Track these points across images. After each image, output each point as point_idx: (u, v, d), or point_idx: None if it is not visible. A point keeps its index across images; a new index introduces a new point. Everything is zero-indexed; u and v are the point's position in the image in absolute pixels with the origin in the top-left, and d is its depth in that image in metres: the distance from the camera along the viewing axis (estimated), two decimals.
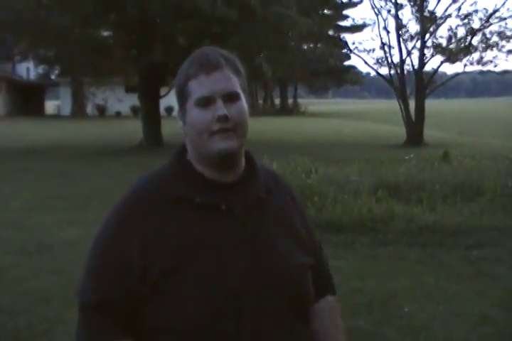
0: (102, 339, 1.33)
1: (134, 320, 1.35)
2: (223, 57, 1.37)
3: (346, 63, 50.85)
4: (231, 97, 1.35)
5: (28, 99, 44.46)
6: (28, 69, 46.44)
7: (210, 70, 1.34)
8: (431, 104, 28.30)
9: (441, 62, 21.80)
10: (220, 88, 1.34)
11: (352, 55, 24.60)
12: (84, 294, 1.37)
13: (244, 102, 1.38)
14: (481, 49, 21.35)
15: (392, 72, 21.69)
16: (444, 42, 21.61)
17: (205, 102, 1.34)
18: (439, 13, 21.72)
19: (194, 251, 1.31)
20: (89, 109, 42.80)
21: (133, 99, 30.37)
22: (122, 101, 41.02)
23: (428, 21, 21.00)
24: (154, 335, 1.33)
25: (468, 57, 21.57)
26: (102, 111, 42.61)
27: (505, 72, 25.12)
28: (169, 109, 35.93)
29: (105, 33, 21.17)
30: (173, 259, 1.31)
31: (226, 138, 1.34)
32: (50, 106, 49.13)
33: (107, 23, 19.35)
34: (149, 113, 19.17)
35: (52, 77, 45.00)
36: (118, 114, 42.01)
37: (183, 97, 1.38)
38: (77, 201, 9.29)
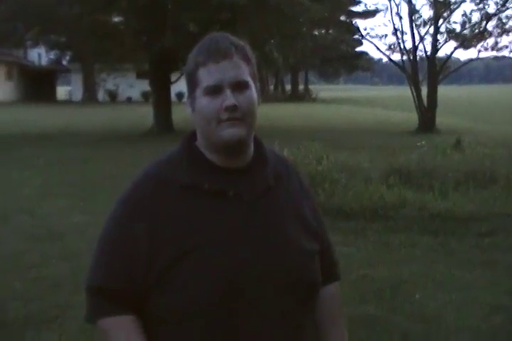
0: (105, 315, 1.35)
1: (140, 308, 1.36)
2: (233, 44, 1.36)
3: (358, 49, 50.56)
4: (240, 86, 1.34)
5: (39, 85, 44.59)
6: (39, 55, 46.53)
7: (220, 59, 1.33)
8: (443, 91, 28.06)
9: (455, 48, 21.58)
10: (229, 77, 1.33)
11: (364, 40, 24.43)
12: (91, 279, 1.39)
13: (253, 91, 1.37)
14: (496, 34, 21.08)
15: (405, 58, 21.50)
16: (457, 27, 21.37)
17: (214, 91, 1.33)
18: None
19: (202, 236, 1.32)
20: (101, 94, 42.87)
21: (144, 85, 30.36)
22: (133, 86, 41.06)
23: (442, 6, 20.72)
24: (160, 322, 1.33)
25: (482, 42, 21.31)
26: (113, 96, 42.68)
27: None
28: (180, 95, 35.88)
29: (116, 19, 21.12)
30: (180, 245, 1.31)
31: (234, 126, 1.33)
32: (62, 92, 49.26)
33: (118, 10, 19.28)
34: (160, 99, 19.17)
35: (64, 62, 45.13)
36: (129, 100, 42.06)
37: (192, 84, 1.38)
38: (88, 187, 9.31)
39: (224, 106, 1.32)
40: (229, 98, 1.32)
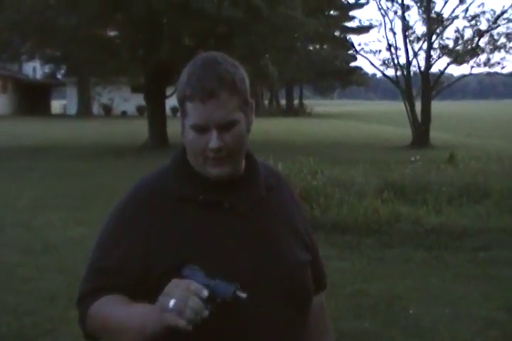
0: (93, 302, 1.33)
1: None
2: (220, 80, 1.32)
3: (352, 64, 50.82)
4: (226, 126, 1.34)
5: (34, 99, 44.55)
6: (34, 69, 46.55)
7: (205, 98, 1.31)
8: (437, 106, 28.23)
9: (448, 64, 21.75)
10: (215, 118, 1.32)
11: (358, 56, 24.59)
12: (83, 285, 1.38)
13: (241, 125, 1.36)
14: (488, 50, 21.30)
15: (399, 73, 21.67)
16: (450, 43, 21.59)
17: (200, 130, 1.33)
18: (446, 14, 21.63)
19: (199, 247, 1.33)
20: (95, 108, 42.88)
21: (139, 99, 30.38)
22: (128, 100, 41.07)
23: (435, 23, 20.94)
24: None
25: (475, 58, 21.52)
26: (107, 110, 42.69)
27: None
28: (175, 109, 35.91)
29: (112, 33, 21.20)
30: (176, 257, 1.32)
31: (220, 165, 1.35)
32: (57, 105, 49.26)
33: (114, 23, 19.38)
34: (155, 113, 19.19)
35: (59, 76, 45.20)
36: (124, 114, 42.08)
37: (182, 111, 1.38)
38: (83, 200, 9.30)
39: (209, 148, 1.33)
40: (213, 140, 1.32)
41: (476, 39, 21.08)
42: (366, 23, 34.11)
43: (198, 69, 1.34)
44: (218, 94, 1.31)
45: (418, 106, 21.28)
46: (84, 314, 1.35)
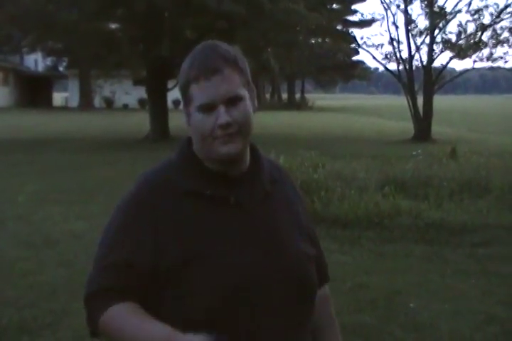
0: (107, 307, 1.32)
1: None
2: (223, 57, 1.35)
3: (354, 58, 50.74)
4: (233, 100, 1.35)
5: (36, 91, 44.60)
6: (36, 62, 46.54)
7: (210, 75, 1.33)
8: (439, 100, 28.18)
9: (450, 58, 21.68)
10: (222, 93, 1.33)
11: (360, 50, 24.57)
12: (90, 283, 1.37)
13: (247, 102, 1.38)
14: (491, 45, 21.22)
15: (401, 67, 21.56)
16: (453, 37, 21.50)
17: (207, 108, 1.34)
18: (448, 8, 21.53)
19: (206, 242, 1.33)
20: (97, 101, 42.87)
21: (140, 92, 30.37)
22: (130, 93, 41.06)
23: (437, 17, 20.85)
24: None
25: (477, 53, 21.44)
26: (109, 103, 42.68)
27: None
28: (176, 102, 35.93)
29: (113, 26, 21.17)
30: (183, 252, 1.32)
31: (229, 142, 1.35)
32: (58, 98, 49.25)
33: (115, 17, 19.34)
34: (156, 106, 19.19)
35: (60, 69, 45.17)
36: (125, 107, 42.07)
37: (186, 99, 1.39)
38: (84, 194, 9.30)
39: (217, 125, 1.33)
40: (222, 116, 1.32)
41: (479, 33, 21.00)
42: (368, 17, 33.95)
43: (198, 54, 1.37)
44: (222, 70, 1.34)
45: (420, 100, 21.23)
46: (96, 316, 1.33)
